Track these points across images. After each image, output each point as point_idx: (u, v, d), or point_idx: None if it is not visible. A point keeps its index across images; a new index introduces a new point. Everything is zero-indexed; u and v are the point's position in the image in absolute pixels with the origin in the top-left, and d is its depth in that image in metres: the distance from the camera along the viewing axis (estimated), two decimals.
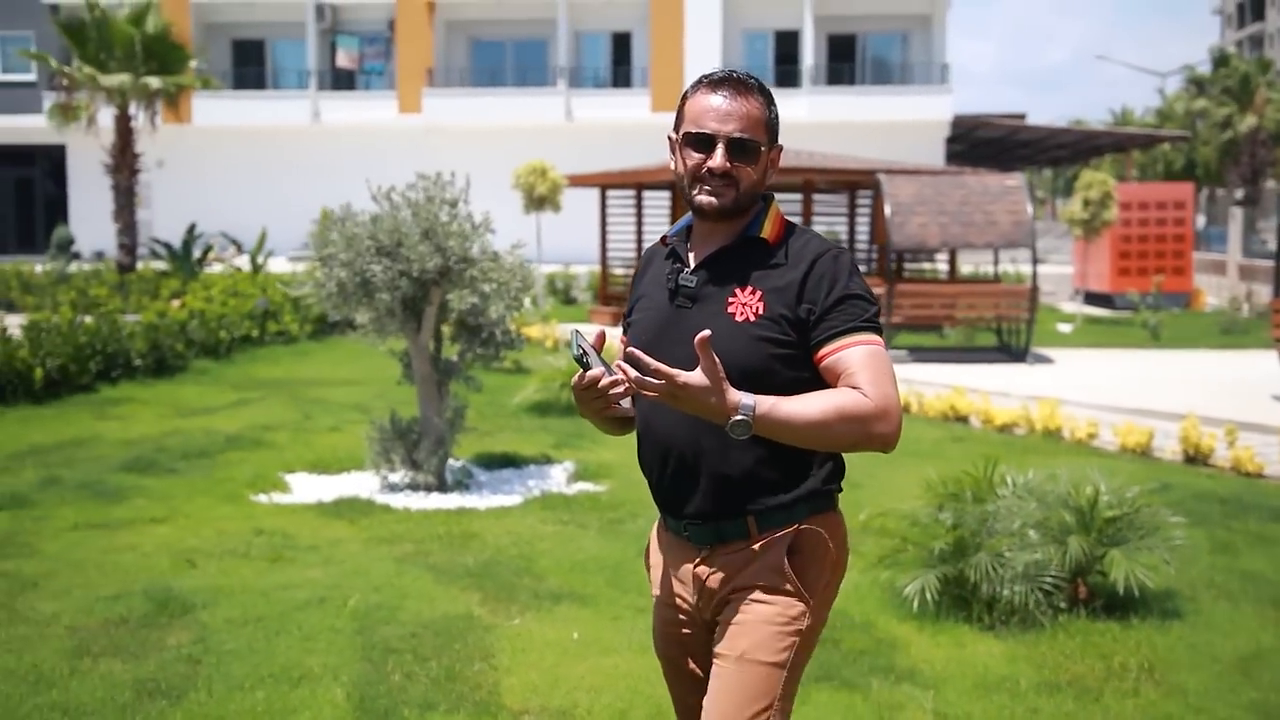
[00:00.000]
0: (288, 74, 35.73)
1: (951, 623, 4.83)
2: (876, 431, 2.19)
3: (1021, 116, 45.46)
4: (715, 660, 2.34)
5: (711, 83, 2.33)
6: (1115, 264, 22.98)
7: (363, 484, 7.42)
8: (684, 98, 2.38)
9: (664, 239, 2.48)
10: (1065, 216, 19.98)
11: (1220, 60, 54.34)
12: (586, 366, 2.17)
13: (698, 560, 2.36)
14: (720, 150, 2.27)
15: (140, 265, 23.94)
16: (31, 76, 34.27)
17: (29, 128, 34.11)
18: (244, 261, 26.85)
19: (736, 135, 2.27)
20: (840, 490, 2.40)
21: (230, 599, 4.98)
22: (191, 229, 22.87)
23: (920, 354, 14.74)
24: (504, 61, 35.75)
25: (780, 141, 2.42)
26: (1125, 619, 4.80)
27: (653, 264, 2.49)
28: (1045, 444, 9.21)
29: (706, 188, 2.29)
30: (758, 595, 2.31)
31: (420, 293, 7.05)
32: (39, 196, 36.15)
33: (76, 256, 28.67)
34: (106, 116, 23.39)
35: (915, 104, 32.61)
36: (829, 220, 21.03)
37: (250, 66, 35.68)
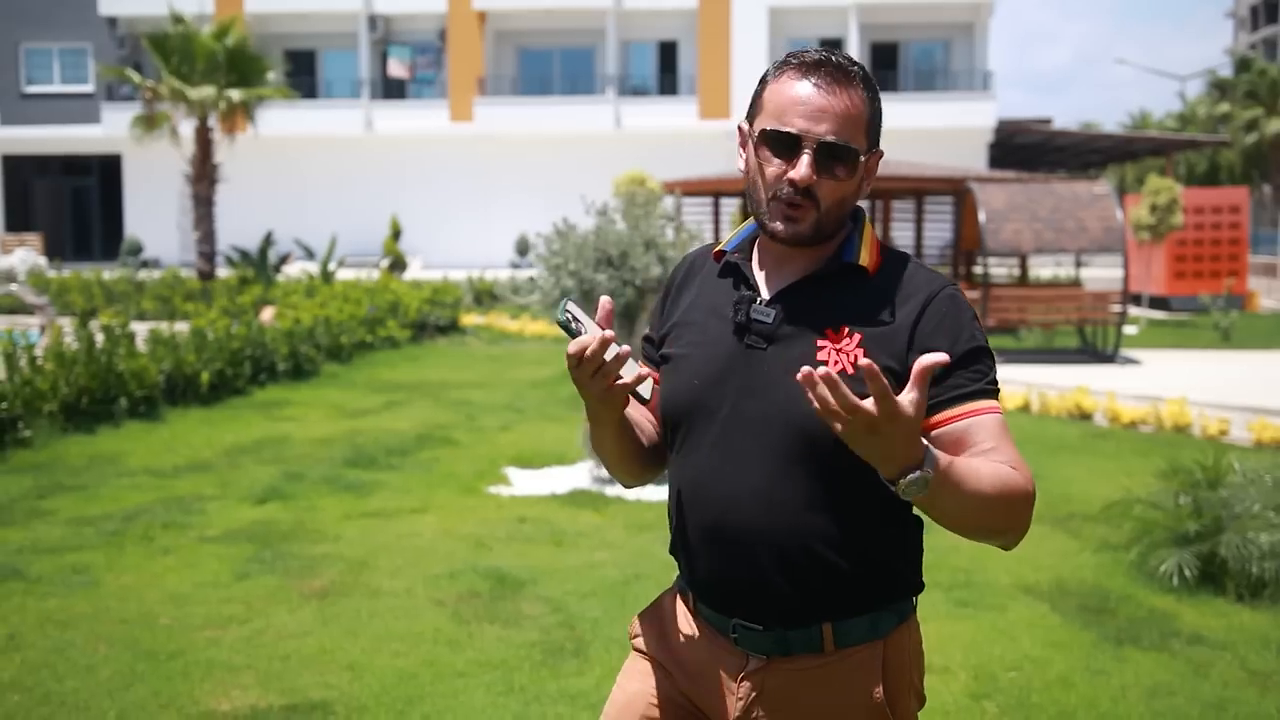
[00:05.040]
0: (338, 84, 36.36)
1: (1205, 596, 5.36)
2: (1025, 520, 1.75)
3: (1048, 121, 46.13)
4: None
5: (803, 66, 1.80)
6: (1171, 267, 23.53)
7: (575, 477, 7.95)
8: (764, 80, 1.85)
9: (717, 252, 1.96)
10: (1133, 221, 20.52)
11: (1242, 64, 54.89)
12: (575, 335, 1.77)
13: (743, 673, 1.86)
14: (806, 158, 1.76)
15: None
16: (89, 88, 34.89)
17: (86, 137, 34.76)
18: (303, 268, 27.41)
19: (830, 139, 1.76)
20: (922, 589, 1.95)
21: (550, 577, 5.51)
22: (268, 236, 23.44)
23: (1006, 355, 15.27)
24: (552, 70, 36.37)
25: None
26: None
27: (696, 281, 1.98)
28: (1180, 439, 9.72)
29: (782, 207, 1.80)
30: None
31: (638, 300, 7.60)
32: (94, 205, 36.79)
33: (145, 264, 29.28)
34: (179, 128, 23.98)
35: (959, 110, 33.19)
36: (895, 226, 21.60)
37: (301, 77, 36.30)
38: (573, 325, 1.77)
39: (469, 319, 19.94)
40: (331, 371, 13.72)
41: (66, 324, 14.52)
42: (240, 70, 22.89)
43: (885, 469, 1.60)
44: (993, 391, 1.79)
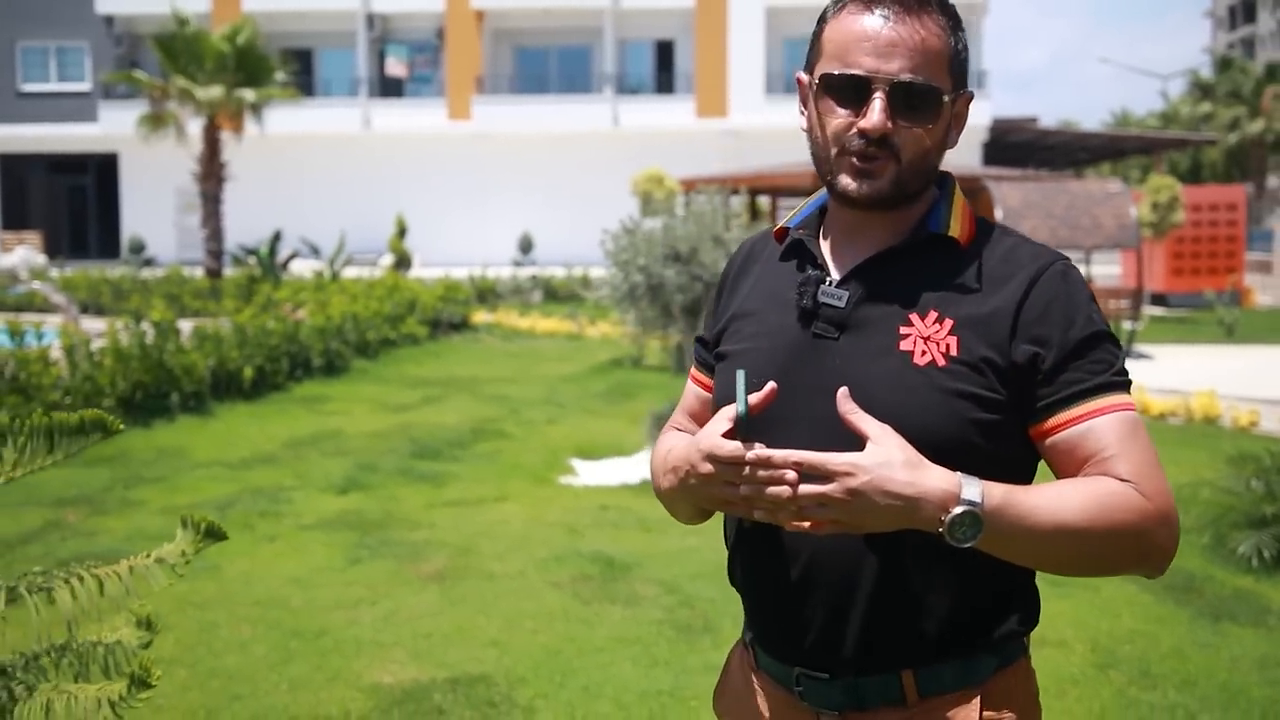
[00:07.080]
0: (335, 83, 36.43)
1: None
2: (1157, 544, 1.44)
3: (1034, 119, 46.61)
4: None
5: None
6: (1169, 264, 23.90)
7: (640, 468, 8.10)
8: (822, 19, 1.57)
9: (779, 230, 1.68)
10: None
11: (1224, 64, 55.60)
12: (745, 434, 1.42)
13: None
14: (879, 102, 1.48)
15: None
16: (85, 86, 34.83)
17: (83, 136, 34.72)
18: (306, 265, 27.49)
19: (905, 78, 1.48)
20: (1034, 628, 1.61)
21: (653, 561, 5.69)
22: (277, 235, 23.51)
23: None
24: (549, 69, 36.54)
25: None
26: None
27: (755, 267, 1.70)
28: (1213, 431, 9.97)
29: (853, 161, 1.51)
30: None
31: (704, 294, 7.79)
32: (91, 204, 36.75)
33: (148, 262, 29.28)
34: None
35: None
36: None
37: (299, 75, 36.34)
38: (744, 423, 1.42)
39: (479, 316, 20.13)
40: (361, 367, 13.85)
41: (88, 323, 14.60)
42: (247, 70, 22.92)
43: (916, 522, 1.37)
44: (1120, 385, 1.49)
